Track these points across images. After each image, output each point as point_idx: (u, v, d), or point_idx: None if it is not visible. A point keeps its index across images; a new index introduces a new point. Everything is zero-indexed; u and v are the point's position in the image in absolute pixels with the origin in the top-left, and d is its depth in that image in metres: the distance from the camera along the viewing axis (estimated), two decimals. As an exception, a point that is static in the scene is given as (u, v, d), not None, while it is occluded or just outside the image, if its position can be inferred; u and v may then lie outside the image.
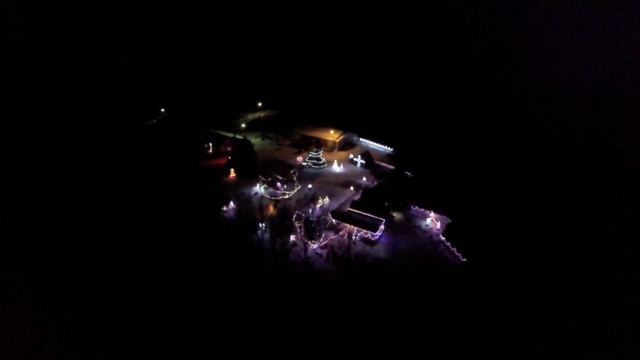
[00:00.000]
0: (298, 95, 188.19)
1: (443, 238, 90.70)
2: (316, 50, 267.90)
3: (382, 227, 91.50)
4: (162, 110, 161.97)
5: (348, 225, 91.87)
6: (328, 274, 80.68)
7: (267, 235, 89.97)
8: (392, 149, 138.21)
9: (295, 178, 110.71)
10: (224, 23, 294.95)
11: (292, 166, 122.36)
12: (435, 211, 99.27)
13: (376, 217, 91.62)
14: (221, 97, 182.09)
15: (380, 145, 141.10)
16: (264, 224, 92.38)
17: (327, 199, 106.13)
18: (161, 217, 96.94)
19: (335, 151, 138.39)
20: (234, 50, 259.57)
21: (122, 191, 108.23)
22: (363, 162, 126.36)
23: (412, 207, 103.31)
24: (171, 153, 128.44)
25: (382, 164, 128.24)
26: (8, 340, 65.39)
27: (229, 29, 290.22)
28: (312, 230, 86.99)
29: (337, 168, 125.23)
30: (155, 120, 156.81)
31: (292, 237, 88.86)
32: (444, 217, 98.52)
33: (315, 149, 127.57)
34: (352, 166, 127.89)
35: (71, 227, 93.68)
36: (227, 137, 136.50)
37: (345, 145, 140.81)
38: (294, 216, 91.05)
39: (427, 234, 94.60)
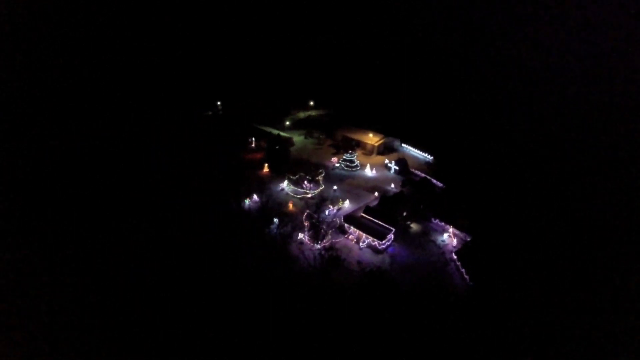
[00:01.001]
0: (350, 97, 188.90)
1: (455, 257, 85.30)
2: (372, 53, 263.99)
3: (390, 236, 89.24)
4: (219, 103, 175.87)
5: (357, 231, 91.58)
6: (321, 275, 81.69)
7: (279, 230, 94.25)
8: (432, 158, 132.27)
9: (321, 178, 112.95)
10: (289, 23, 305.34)
11: (321, 166, 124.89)
12: (455, 227, 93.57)
13: (386, 226, 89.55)
14: (277, 94, 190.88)
15: (421, 153, 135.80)
16: (277, 220, 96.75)
17: (347, 202, 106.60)
18: (173, 210, 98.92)
19: (374, 155, 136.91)
20: (294, 49, 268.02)
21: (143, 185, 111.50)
22: (397, 168, 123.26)
23: (433, 219, 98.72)
24: (217, 144, 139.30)
25: (416, 171, 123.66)
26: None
27: (292, 29, 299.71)
28: (317, 230, 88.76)
29: (369, 172, 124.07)
30: (210, 113, 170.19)
31: (300, 235, 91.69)
32: (463, 234, 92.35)
33: (350, 151, 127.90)
34: (385, 171, 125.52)
35: (80, 221, 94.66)
36: (269, 133, 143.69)
37: (385, 150, 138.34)
38: (305, 215, 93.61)
39: (441, 249, 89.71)
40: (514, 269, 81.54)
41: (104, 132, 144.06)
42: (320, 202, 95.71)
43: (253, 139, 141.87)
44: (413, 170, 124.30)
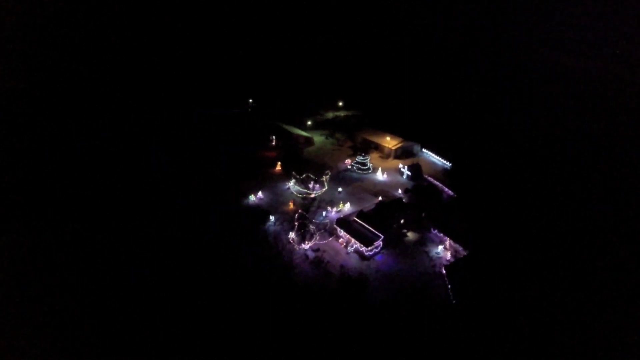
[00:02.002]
0: (378, 99, 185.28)
1: (444, 271, 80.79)
2: (404, 55, 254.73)
3: (378, 243, 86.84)
4: (251, 100, 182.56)
5: (348, 235, 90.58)
6: (303, 275, 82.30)
7: (274, 228, 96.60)
8: (450, 165, 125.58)
9: (326, 179, 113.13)
10: (325, 24, 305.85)
11: (334, 167, 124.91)
12: (452, 238, 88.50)
13: (376, 232, 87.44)
14: (308, 93, 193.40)
15: (440, 159, 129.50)
16: (273, 217, 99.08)
17: (347, 205, 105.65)
18: (173, 209, 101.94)
19: (390, 159, 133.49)
20: (328, 49, 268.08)
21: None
22: (409, 173, 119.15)
23: (432, 229, 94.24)
24: (238, 141, 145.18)
25: (429, 178, 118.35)
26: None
27: (326, 30, 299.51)
28: (305, 230, 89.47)
29: (380, 176, 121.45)
30: (238, 110, 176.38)
31: (291, 234, 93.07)
32: (460, 248, 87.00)
33: (363, 154, 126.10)
34: (398, 176, 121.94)
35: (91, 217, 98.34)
36: (289, 132, 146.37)
37: (403, 154, 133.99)
38: (296, 215, 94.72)
39: (433, 262, 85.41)
40: (505, 293, 75.18)
41: (109, 130, 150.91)
42: (313, 202, 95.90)
43: (274, 137, 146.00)
44: (426, 176, 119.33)
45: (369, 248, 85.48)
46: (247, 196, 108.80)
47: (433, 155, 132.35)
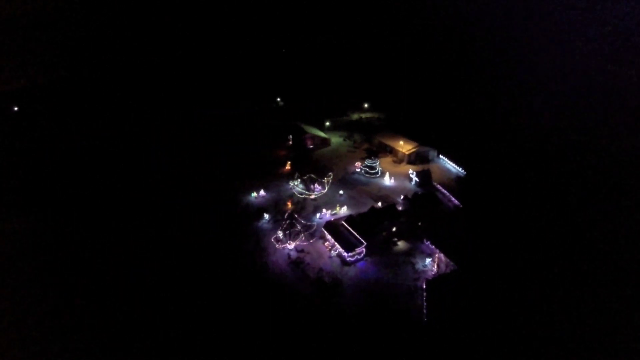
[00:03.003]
0: (404, 102, 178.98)
1: (424, 286, 76.03)
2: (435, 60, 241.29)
3: (360, 250, 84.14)
4: (278, 99, 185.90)
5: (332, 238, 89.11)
6: (278, 274, 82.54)
7: (266, 226, 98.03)
8: (464, 173, 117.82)
9: (327, 180, 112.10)
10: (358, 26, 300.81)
11: (336, 169, 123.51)
12: (443, 251, 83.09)
13: (359, 238, 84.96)
14: (335, 93, 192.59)
15: (455, 166, 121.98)
16: (267, 215, 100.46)
17: (344, 208, 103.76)
18: (173, 209, 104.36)
19: (403, 163, 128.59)
20: (357, 51, 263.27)
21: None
22: (417, 180, 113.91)
23: (425, 240, 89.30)
24: (256, 139, 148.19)
25: (438, 185, 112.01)
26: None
27: (359, 33, 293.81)
28: (292, 230, 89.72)
29: (387, 181, 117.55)
30: (256, 108, 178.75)
31: (279, 233, 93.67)
32: (451, 263, 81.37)
33: (373, 157, 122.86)
34: (406, 182, 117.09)
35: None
36: (303, 132, 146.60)
37: (417, 159, 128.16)
38: (286, 214, 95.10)
39: (417, 274, 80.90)
40: (485, 319, 68.93)
41: (118, 129, 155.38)
42: (303, 202, 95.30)
43: (291, 136, 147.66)
44: (436, 184, 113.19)
45: (350, 253, 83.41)
46: (250, 194, 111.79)
47: (449, 162, 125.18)
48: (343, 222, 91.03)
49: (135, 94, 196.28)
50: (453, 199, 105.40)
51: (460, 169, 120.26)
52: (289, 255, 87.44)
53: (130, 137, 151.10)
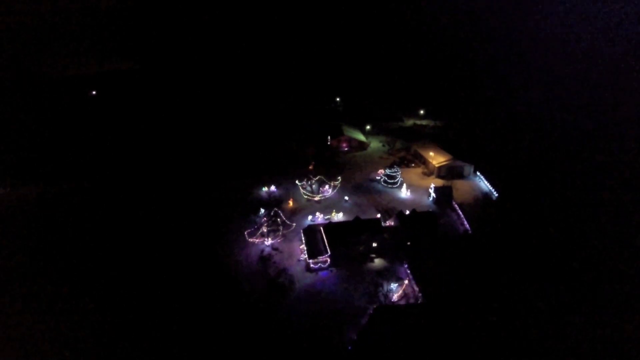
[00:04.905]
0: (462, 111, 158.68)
1: (371, 311, 67.33)
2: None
3: (324, 259, 78.85)
4: (338, 99, 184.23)
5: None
6: (241, 268, 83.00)
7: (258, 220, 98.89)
8: (496, 195, 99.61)
9: (335, 185, 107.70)
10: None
11: (366, 176, 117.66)
12: (415, 279, 72.49)
13: (327, 247, 79.76)
14: (392, 97, 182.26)
15: (489, 187, 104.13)
16: (263, 210, 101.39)
17: (340, 214, 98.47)
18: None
19: (433, 176, 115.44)
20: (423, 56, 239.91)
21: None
22: (434, 196, 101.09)
23: (404, 263, 79.09)
24: (294, 136, 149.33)
25: (456, 205, 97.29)
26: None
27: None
28: (272, 228, 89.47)
29: (403, 193, 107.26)
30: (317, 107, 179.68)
31: (264, 228, 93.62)
32: (419, 296, 70.43)
33: (395, 167, 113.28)
34: (424, 197, 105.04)
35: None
36: (343, 133, 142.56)
37: (449, 174, 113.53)
38: (272, 211, 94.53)
39: (377, 298, 72.11)
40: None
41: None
42: (305, 202, 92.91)
43: (329, 137, 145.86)
44: (455, 203, 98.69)
45: (312, 260, 79.34)
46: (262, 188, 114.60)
47: (485, 181, 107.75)
48: (321, 228, 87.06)
49: (205, 87, 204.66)
50: (465, 222, 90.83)
51: (493, 190, 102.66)
52: (262, 251, 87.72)
53: (193, 128, 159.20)
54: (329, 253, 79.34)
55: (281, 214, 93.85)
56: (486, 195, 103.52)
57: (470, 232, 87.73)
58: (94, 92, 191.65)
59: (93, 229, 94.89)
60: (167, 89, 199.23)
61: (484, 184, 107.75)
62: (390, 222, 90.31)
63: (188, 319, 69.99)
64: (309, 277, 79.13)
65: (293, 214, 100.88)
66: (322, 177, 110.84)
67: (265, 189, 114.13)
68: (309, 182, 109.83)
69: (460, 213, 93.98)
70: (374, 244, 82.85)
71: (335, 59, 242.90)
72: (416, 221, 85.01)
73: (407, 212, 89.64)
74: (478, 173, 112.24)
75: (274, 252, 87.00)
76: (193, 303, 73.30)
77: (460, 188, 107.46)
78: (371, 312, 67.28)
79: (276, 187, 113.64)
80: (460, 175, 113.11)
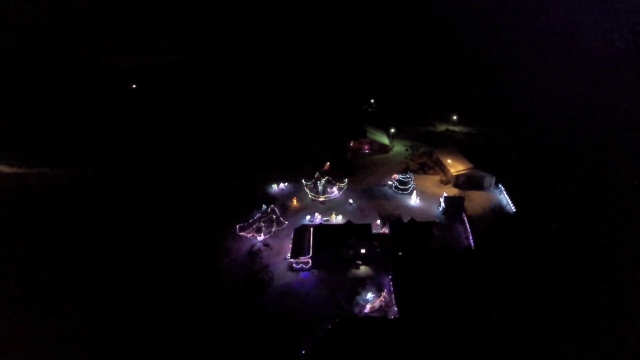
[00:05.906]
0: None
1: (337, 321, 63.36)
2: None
3: (305, 259, 76.37)
4: (372, 100, 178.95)
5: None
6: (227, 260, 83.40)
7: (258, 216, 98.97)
8: (514, 210, 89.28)
9: (339, 186, 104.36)
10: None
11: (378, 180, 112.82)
12: (395, 292, 67.36)
13: (309, 249, 77.28)
14: (427, 101, 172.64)
15: (509, 200, 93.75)
16: (265, 206, 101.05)
17: (339, 217, 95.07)
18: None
19: (449, 186, 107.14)
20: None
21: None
22: (444, 206, 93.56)
23: (389, 274, 73.94)
24: (316, 136, 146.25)
25: (465, 218, 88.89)
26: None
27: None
28: (265, 224, 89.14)
29: (412, 200, 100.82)
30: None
31: (261, 223, 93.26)
32: (394, 311, 65.30)
33: (408, 173, 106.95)
34: (434, 207, 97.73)
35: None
36: (366, 135, 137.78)
37: (467, 184, 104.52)
38: (269, 207, 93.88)
39: (351, 306, 68.21)
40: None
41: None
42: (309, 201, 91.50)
43: (351, 139, 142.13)
44: (465, 216, 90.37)
45: (294, 260, 77.54)
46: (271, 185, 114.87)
47: (506, 193, 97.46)
48: (312, 229, 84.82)
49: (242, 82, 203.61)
50: (471, 238, 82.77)
51: (512, 205, 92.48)
52: (253, 245, 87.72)
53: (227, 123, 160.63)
54: (309, 256, 77.03)
55: (277, 211, 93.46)
56: (502, 211, 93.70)
57: (472, 248, 79.79)
58: (134, 86, 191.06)
59: (107, 215, 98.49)
60: (209, 83, 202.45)
61: (504, 198, 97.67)
62: (385, 230, 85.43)
63: (166, 311, 70.75)
64: (289, 276, 77.55)
65: (294, 212, 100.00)
66: (330, 178, 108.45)
67: (275, 186, 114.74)
68: (315, 182, 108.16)
69: (468, 227, 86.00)
70: (362, 250, 78.98)
71: (375, 61, 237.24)
72: (411, 231, 79.33)
73: (405, 221, 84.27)
74: (500, 185, 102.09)
75: (264, 248, 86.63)
76: (173, 294, 74.32)
77: (476, 199, 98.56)
78: (337, 320, 64.05)
79: (286, 185, 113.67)
80: (480, 186, 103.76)
